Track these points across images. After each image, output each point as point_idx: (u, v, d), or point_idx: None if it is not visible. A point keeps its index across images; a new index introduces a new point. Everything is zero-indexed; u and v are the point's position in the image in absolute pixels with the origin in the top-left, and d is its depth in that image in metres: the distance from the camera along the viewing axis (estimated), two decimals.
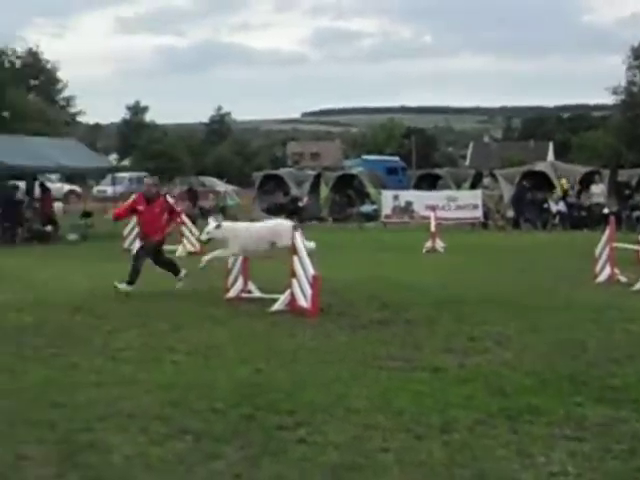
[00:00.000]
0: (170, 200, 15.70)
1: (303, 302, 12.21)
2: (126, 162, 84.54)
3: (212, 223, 13.86)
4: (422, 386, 8.07)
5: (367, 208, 36.94)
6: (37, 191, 31.02)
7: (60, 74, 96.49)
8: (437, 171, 43.98)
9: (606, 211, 30.68)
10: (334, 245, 23.36)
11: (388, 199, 35.53)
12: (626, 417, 7.10)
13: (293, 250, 12.48)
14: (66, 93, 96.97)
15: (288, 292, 12.54)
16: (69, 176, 51.69)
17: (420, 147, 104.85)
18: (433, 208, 28.98)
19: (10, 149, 28.69)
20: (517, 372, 8.70)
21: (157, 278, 16.76)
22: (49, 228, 28.36)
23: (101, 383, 8.27)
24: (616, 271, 15.99)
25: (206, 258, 13.98)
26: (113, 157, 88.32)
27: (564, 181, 34.34)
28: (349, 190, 38.15)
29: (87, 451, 6.28)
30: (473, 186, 36.45)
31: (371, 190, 38.55)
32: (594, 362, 9.17)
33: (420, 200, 34.55)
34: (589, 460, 6.09)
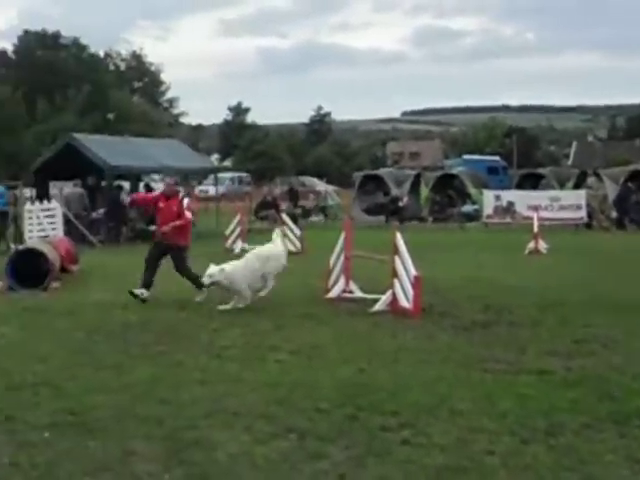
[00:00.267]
0: (185, 202, 15.70)
1: (405, 302, 12.17)
2: (228, 162, 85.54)
3: (214, 267, 13.05)
4: (527, 389, 7.96)
5: (468, 208, 36.63)
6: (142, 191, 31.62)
7: (163, 76, 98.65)
8: (540, 171, 43.36)
9: None
10: (435, 245, 23.28)
11: (489, 199, 35.17)
12: None
13: (394, 250, 12.45)
14: (169, 95, 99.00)
15: (390, 292, 12.51)
16: (172, 176, 52.45)
17: (522, 146, 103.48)
18: (536, 208, 28.59)
19: (114, 150, 29.26)
20: (625, 376, 8.52)
21: None
22: (153, 227, 28.82)
23: (206, 381, 8.38)
24: None
25: (228, 307, 12.96)
26: (215, 157, 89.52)
27: None
28: (450, 190, 37.86)
29: (193, 448, 6.37)
30: (577, 186, 35.81)
31: (472, 190, 38.23)
32: None
33: (522, 200, 34.10)
34: None
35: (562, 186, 37.09)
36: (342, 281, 13.72)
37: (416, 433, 6.68)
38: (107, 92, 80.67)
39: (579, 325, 11.33)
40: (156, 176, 52.56)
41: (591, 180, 35.32)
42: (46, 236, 21.74)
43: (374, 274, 14.26)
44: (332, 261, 13.88)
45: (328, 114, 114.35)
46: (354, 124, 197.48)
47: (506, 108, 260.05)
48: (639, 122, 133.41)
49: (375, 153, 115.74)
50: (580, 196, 33.64)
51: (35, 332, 11.20)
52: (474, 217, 35.61)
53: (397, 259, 12.40)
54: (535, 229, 23.09)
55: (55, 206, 24.61)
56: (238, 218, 24.27)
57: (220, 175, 44.15)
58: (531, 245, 22.71)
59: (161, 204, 14.58)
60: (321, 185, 50.93)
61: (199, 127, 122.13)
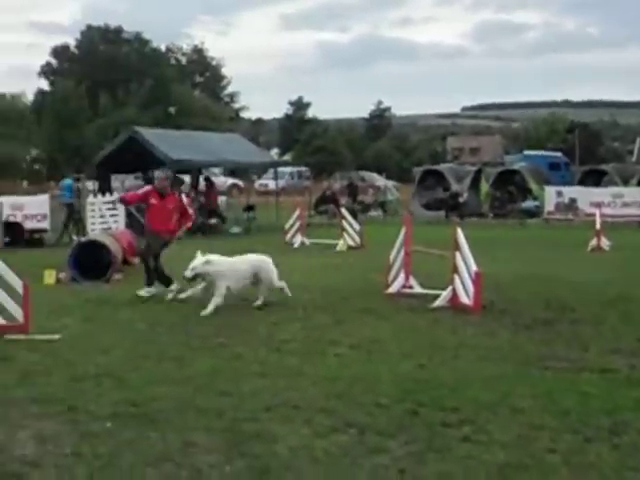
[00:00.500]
0: (185, 200, 14.89)
1: (465, 299, 12.10)
2: (287, 157, 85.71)
3: (200, 258, 12.53)
4: (589, 387, 7.86)
5: (529, 204, 36.28)
6: (202, 185, 31.86)
7: (224, 70, 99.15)
8: (603, 167, 42.81)
9: None
10: (495, 241, 23.12)
11: (551, 195, 34.84)
12: None
13: (455, 246, 12.38)
14: (230, 89, 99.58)
15: (450, 288, 12.44)
16: (232, 170, 52.77)
17: (584, 142, 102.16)
18: (598, 205, 28.28)
19: (176, 144, 29.54)
20: None
21: (315, 270, 16.96)
22: (214, 221, 29.05)
23: (266, 374, 8.41)
24: None
25: (209, 311, 12.10)
26: (274, 152, 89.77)
27: None
28: (510, 186, 37.55)
29: (253, 440, 6.40)
30: None
31: (533, 186, 37.87)
32: None
33: (584, 197, 33.73)
34: None
35: (626, 183, 36.60)
36: (402, 276, 13.68)
37: (477, 430, 6.64)
38: (169, 86, 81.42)
39: None
40: (216, 170, 53.02)
41: None
42: (108, 228, 22.01)
43: (434, 270, 14.20)
44: (392, 256, 13.84)
45: (388, 109, 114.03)
46: (414, 119, 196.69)
47: (568, 103, 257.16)
48: None
49: (435, 148, 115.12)
50: None
51: (97, 323, 11.35)
52: (535, 213, 35.27)
53: (458, 255, 12.33)
54: (597, 226, 22.79)
55: (117, 199, 24.88)
56: (297, 212, 24.32)
57: (280, 169, 44.28)
58: (593, 242, 22.41)
59: (154, 201, 14.05)
60: (380, 180, 50.87)
61: (259, 121, 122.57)
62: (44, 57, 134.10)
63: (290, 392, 7.69)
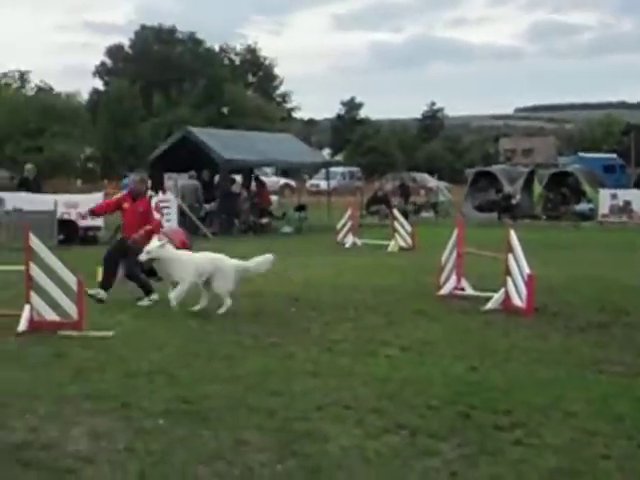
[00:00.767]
0: (153, 203, 14.23)
1: (518, 301, 12.01)
2: (339, 157, 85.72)
3: (156, 241, 12.23)
4: None
5: (583, 207, 35.90)
6: (253, 184, 31.97)
7: (277, 70, 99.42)
8: None
9: None
10: (548, 244, 22.91)
11: (605, 198, 34.49)
12: None
13: (508, 248, 12.29)
14: (282, 89, 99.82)
15: (502, 291, 12.36)
16: (284, 170, 52.91)
17: None
18: None
19: (228, 143, 29.69)
20: None
21: (366, 271, 16.95)
22: (265, 220, 29.15)
23: (317, 373, 8.42)
24: None
25: (173, 299, 11.97)
26: (326, 152, 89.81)
27: None
28: (564, 188, 37.18)
29: (304, 440, 6.40)
30: None
31: (587, 188, 37.43)
32: None
33: None
34: None
35: None
36: (454, 278, 13.61)
37: (529, 433, 6.59)
38: (222, 86, 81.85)
39: None
40: (268, 169, 53.21)
41: None
42: (161, 227, 22.14)
43: (486, 272, 14.13)
44: (444, 258, 13.78)
45: (441, 109, 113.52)
46: (466, 120, 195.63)
47: (624, 105, 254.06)
48: None
49: (487, 149, 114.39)
50: None
51: (150, 321, 11.43)
52: (589, 216, 34.89)
53: (510, 257, 12.24)
54: None
55: (170, 198, 25.11)
56: (349, 213, 24.31)
57: (332, 169, 44.30)
58: None
59: (126, 205, 13.54)
60: (432, 181, 50.68)
61: (311, 121, 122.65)
62: (99, 57, 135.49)
63: (341, 392, 7.69)
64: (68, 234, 23.21)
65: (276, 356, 9.26)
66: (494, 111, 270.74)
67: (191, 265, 12.14)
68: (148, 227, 13.24)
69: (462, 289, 13.59)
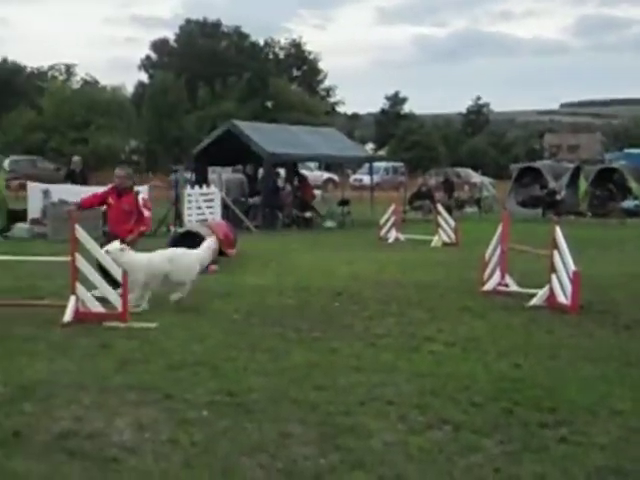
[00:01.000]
0: (141, 199, 13.34)
1: (562, 298, 11.90)
2: (382, 152, 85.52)
3: (117, 244, 11.89)
4: None
5: (629, 203, 35.47)
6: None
7: (321, 64, 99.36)
8: None
9: None
10: (594, 241, 22.68)
11: None
12: None
13: (553, 244, 12.19)
14: (326, 83, 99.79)
15: (547, 287, 12.26)
16: (327, 164, 52.90)
17: None
18: None
19: (272, 137, 29.71)
20: None
21: (409, 266, 16.90)
22: (308, 215, 29.16)
23: (361, 368, 8.40)
24: None
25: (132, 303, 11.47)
26: (370, 147, 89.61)
27: None
28: (610, 184, 36.79)
29: (348, 434, 6.40)
30: None
31: (634, 185, 37.00)
32: None
33: None
34: None
35: None
36: (498, 274, 13.52)
37: (574, 431, 6.53)
38: (266, 80, 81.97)
39: None
40: (312, 164, 53.22)
41: None
42: (204, 219, 22.26)
43: (530, 268, 14.04)
44: (488, 254, 13.70)
45: (486, 105, 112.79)
46: (511, 115, 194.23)
47: None
48: None
49: (532, 145, 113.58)
50: None
51: (193, 313, 11.47)
52: (635, 213, 34.48)
53: (556, 254, 12.13)
54: None
55: (214, 191, 25.17)
56: (393, 208, 24.25)
57: (375, 164, 44.20)
58: None
59: (111, 200, 13.15)
60: (476, 176, 50.40)
61: (355, 116, 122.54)
62: (144, 50, 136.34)
63: (385, 387, 7.68)
64: None
65: (319, 350, 9.26)
66: (539, 106, 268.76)
67: (141, 271, 11.78)
68: (143, 228, 13.11)
69: (506, 285, 13.49)
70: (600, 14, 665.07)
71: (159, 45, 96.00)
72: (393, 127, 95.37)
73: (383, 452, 6.05)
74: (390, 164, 64.76)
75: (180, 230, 18.50)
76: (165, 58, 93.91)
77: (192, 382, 7.82)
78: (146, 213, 13.12)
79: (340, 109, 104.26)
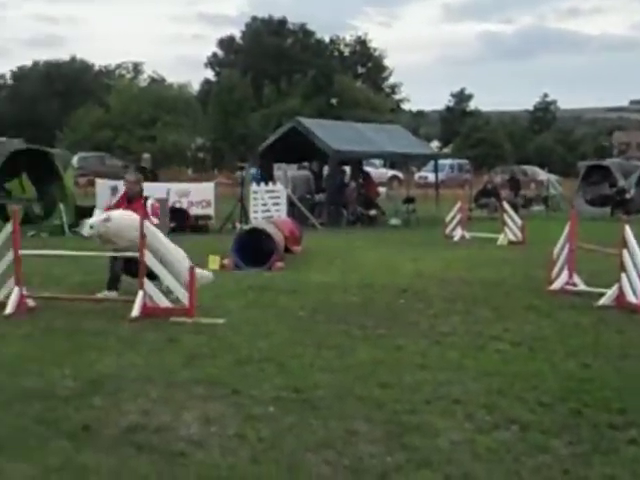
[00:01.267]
0: (149, 205, 13.00)
1: (632, 298, 11.71)
2: (447, 149, 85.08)
3: (99, 215, 11.44)
4: None
5: None
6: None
7: (387, 62, 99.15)
8: None
9: None
10: None
11: None
12: None
13: (623, 243, 12.01)
14: (391, 80, 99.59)
15: (616, 287, 12.08)
16: (392, 162, 52.77)
17: None
18: None
19: (337, 134, 29.70)
20: None
21: (475, 264, 16.78)
22: (373, 212, 29.11)
23: (426, 366, 8.37)
24: None
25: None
26: (435, 144, 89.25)
27: None
28: None
29: (414, 433, 6.37)
30: None
31: None
32: None
33: None
34: None
35: None
36: (565, 273, 13.37)
37: None
38: (331, 77, 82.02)
39: None
40: (376, 161, 53.14)
41: None
42: (270, 217, 22.36)
43: (598, 267, 13.86)
44: (555, 252, 13.55)
45: (553, 102, 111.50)
46: (579, 112, 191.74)
47: None
48: None
49: (601, 142, 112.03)
50: None
51: (259, 309, 11.52)
52: None
53: (625, 253, 11.96)
54: None
55: (279, 188, 25.27)
56: (458, 205, 24.10)
57: (440, 162, 43.99)
58: None
59: (122, 207, 12.72)
60: (543, 174, 49.89)
61: (420, 113, 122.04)
62: (210, 48, 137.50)
63: (451, 386, 7.64)
64: (179, 222, 23.56)
65: (385, 347, 9.24)
66: (608, 103, 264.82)
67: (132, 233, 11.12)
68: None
69: (574, 284, 13.34)
70: None
71: (226, 43, 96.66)
72: (458, 124, 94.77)
73: (450, 451, 6.01)
74: (455, 161, 64.44)
75: (246, 227, 18.62)
76: (231, 56, 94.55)
77: (258, 378, 7.86)
78: (154, 221, 12.51)
79: (405, 106, 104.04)
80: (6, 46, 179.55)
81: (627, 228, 12.09)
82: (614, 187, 35.44)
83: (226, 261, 15.87)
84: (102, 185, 25.22)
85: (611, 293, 12.10)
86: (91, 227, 11.38)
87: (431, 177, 44.38)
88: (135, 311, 10.64)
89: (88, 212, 24.24)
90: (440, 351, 9.11)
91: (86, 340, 9.45)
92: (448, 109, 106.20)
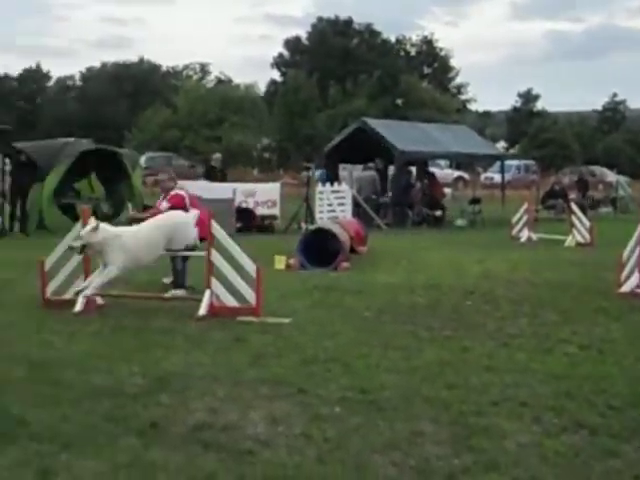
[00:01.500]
0: (174, 196, 12.97)
1: None
2: (514, 150, 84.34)
3: (92, 222, 11.03)
4: None
5: None
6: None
7: (453, 62, 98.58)
8: None
9: None
10: None
11: None
12: None
13: None
14: (458, 80, 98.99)
15: None
16: (458, 162, 52.47)
17: None
18: None
19: (403, 135, 29.64)
20: None
21: (542, 266, 16.60)
22: (438, 213, 28.97)
23: (493, 368, 8.31)
24: None
25: (85, 290, 11.12)
26: (501, 145, 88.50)
27: None
28: None
29: (481, 435, 6.32)
30: None
31: None
32: None
33: None
34: None
35: None
36: (636, 276, 13.16)
37: None
38: (397, 77, 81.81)
39: None
40: (442, 162, 52.88)
41: None
42: (335, 217, 22.39)
43: None
44: (625, 254, 13.35)
45: (623, 102, 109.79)
46: None
47: None
48: None
49: None
50: None
51: (325, 309, 11.55)
52: None
53: None
54: None
55: (345, 188, 25.30)
56: (525, 206, 23.86)
57: (506, 162, 43.61)
58: None
59: (158, 205, 13.02)
60: (612, 175, 49.17)
61: (486, 114, 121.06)
62: (277, 48, 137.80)
63: (518, 388, 7.57)
64: (246, 222, 23.70)
65: (451, 349, 9.20)
66: None
67: (120, 249, 11.16)
68: (146, 214, 12.87)
69: None
70: None
71: (292, 43, 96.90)
72: (525, 125, 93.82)
73: (517, 454, 5.96)
74: (522, 162, 63.81)
75: (311, 227, 18.66)
76: (297, 56, 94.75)
77: (324, 378, 7.88)
78: (194, 211, 12.48)
79: (471, 107, 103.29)
80: (73, 47, 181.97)
81: None
82: None
83: (292, 261, 15.93)
84: None
85: None
86: (81, 237, 11.09)
87: (497, 178, 44.00)
88: (202, 310, 10.75)
89: None
90: (507, 353, 9.04)
91: (154, 338, 9.56)
92: (515, 109, 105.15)
